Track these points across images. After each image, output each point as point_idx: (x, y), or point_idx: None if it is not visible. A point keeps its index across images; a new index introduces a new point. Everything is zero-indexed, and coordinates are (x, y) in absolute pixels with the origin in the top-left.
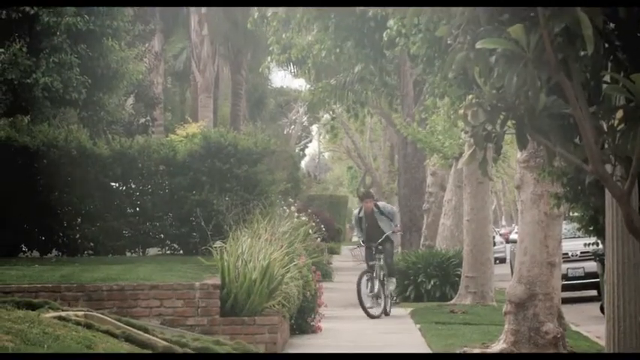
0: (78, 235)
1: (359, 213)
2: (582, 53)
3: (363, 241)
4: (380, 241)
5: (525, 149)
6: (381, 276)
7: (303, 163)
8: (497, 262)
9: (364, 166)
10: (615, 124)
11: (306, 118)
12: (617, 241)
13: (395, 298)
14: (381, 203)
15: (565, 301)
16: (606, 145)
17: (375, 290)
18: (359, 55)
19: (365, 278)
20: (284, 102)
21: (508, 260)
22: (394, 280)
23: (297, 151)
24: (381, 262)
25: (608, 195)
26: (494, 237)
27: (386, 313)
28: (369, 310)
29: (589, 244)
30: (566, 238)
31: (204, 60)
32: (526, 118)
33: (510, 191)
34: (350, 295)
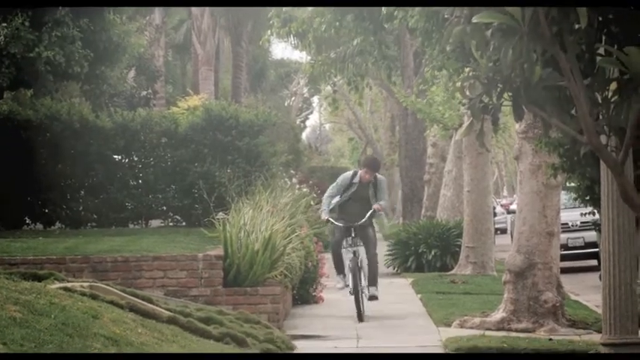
0: (81, 208)
1: (352, 178)
2: (576, 26)
3: (327, 220)
4: (363, 221)
5: (521, 121)
6: (361, 277)
7: (304, 135)
8: (499, 232)
9: (365, 137)
10: (609, 96)
11: (306, 90)
12: (613, 211)
13: (396, 269)
14: (381, 177)
15: (565, 270)
16: (600, 117)
17: (361, 284)
18: (358, 29)
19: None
20: (285, 74)
21: (509, 231)
22: (376, 288)
23: (298, 122)
24: (357, 256)
25: (603, 165)
26: (494, 208)
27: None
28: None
29: (585, 214)
30: (566, 208)
31: (204, 32)
32: (522, 90)
33: (511, 162)
34: None
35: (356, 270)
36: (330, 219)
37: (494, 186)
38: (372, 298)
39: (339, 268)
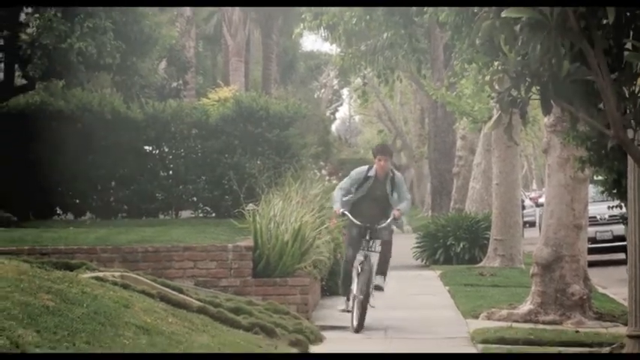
0: (112, 198)
1: (367, 172)
2: (604, 21)
3: (343, 214)
4: (383, 225)
5: (550, 114)
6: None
7: (333, 127)
8: (527, 225)
9: (395, 129)
10: (636, 91)
11: (336, 82)
12: (639, 204)
13: (425, 261)
14: (398, 174)
15: (593, 264)
16: (627, 111)
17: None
18: (388, 22)
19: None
20: (315, 66)
21: (538, 224)
22: (384, 278)
23: (327, 114)
24: (364, 263)
25: (630, 159)
26: (523, 201)
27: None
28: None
29: (612, 207)
30: (594, 201)
31: (235, 24)
32: (550, 84)
33: (541, 155)
34: None
35: (368, 280)
36: (347, 213)
37: (523, 179)
38: (377, 288)
39: (346, 287)
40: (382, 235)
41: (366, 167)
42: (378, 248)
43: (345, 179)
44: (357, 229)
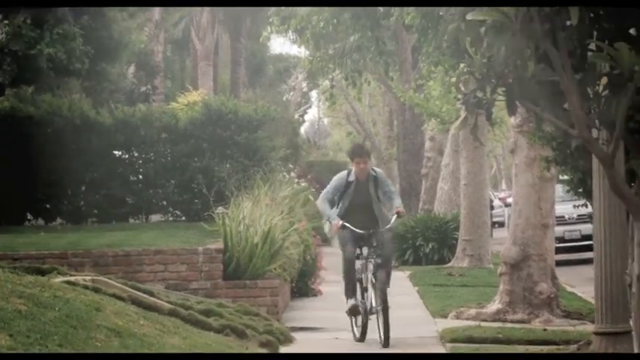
0: (82, 203)
1: (347, 177)
2: (568, 23)
3: (343, 226)
4: (389, 227)
5: (515, 115)
6: (373, 299)
7: (302, 129)
8: (496, 225)
9: (363, 131)
10: (600, 91)
11: (305, 85)
12: (604, 203)
13: (394, 261)
14: (379, 170)
15: (562, 263)
16: (592, 111)
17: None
18: (356, 26)
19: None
20: (283, 68)
21: (507, 224)
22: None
23: (296, 117)
24: (377, 272)
25: (594, 158)
26: (492, 201)
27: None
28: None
29: (578, 206)
30: (563, 201)
31: (203, 28)
32: (515, 85)
33: (510, 155)
34: None
35: (385, 289)
36: (347, 224)
37: (492, 179)
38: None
39: (351, 290)
40: (387, 240)
41: (344, 173)
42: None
43: (326, 189)
44: (358, 239)
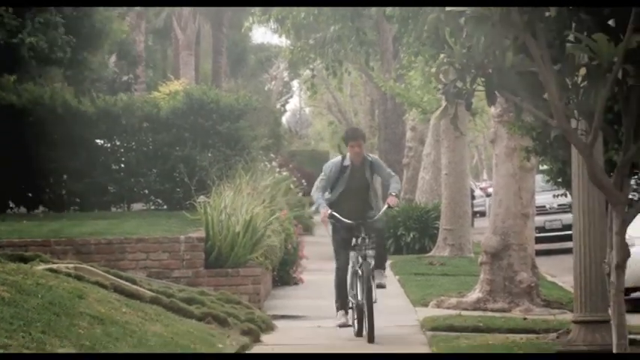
0: (64, 191)
1: (342, 162)
2: (547, 14)
3: (331, 216)
4: (377, 217)
5: (494, 105)
6: (364, 276)
7: (284, 119)
8: (478, 215)
9: (345, 121)
10: (579, 82)
11: (286, 74)
12: (583, 192)
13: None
14: (375, 157)
15: (543, 253)
16: (570, 102)
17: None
18: (336, 16)
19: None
20: (265, 58)
21: (488, 214)
22: (383, 270)
23: (278, 106)
24: (367, 260)
25: (573, 148)
26: (473, 191)
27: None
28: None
29: (557, 195)
30: (544, 191)
31: (185, 17)
32: (494, 75)
33: (491, 145)
34: (331, 248)
35: (369, 282)
36: (335, 214)
37: (473, 169)
38: (379, 286)
39: (342, 301)
40: (377, 231)
41: (339, 158)
42: (373, 245)
43: (320, 177)
44: (347, 228)
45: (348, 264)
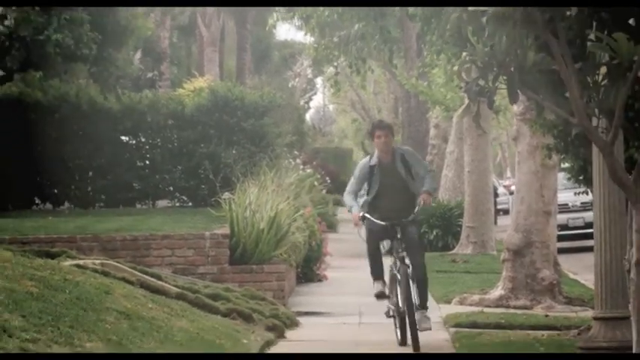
0: (89, 188)
1: (369, 161)
2: (568, 13)
3: (363, 217)
4: (410, 218)
5: (516, 103)
6: (402, 280)
7: (307, 116)
8: (501, 213)
9: (369, 118)
10: (599, 80)
11: (310, 71)
12: (604, 190)
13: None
14: (407, 148)
15: (565, 250)
16: (591, 100)
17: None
18: (360, 14)
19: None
20: (288, 55)
21: (511, 212)
22: (426, 311)
23: (302, 103)
24: (405, 262)
25: (594, 146)
26: (496, 189)
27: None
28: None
29: (579, 193)
30: (566, 189)
31: (209, 14)
32: (516, 74)
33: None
34: (354, 245)
35: (408, 285)
36: (367, 215)
37: (497, 167)
38: (425, 329)
39: (377, 270)
40: (410, 234)
41: (366, 158)
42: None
43: (350, 181)
44: (382, 230)
45: (380, 239)
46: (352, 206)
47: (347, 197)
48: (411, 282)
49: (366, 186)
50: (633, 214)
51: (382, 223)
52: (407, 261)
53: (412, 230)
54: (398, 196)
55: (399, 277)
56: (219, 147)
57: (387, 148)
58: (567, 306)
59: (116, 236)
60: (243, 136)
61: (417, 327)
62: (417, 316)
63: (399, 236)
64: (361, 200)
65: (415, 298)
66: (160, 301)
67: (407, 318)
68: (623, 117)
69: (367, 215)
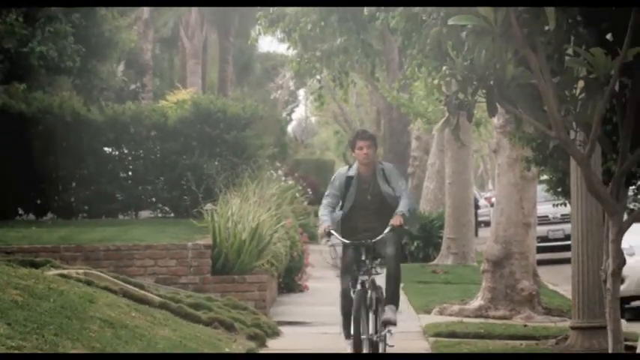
0: (73, 199)
1: (347, 171)
2: (546, 28)
3: (329, 234)
4: (381, 236)
5: (495, 116)
6: (374, 303)
7: (290, 128)
8: (482, 225)
9: (350, 130)
10: (577, 94)
11: (292, 83)
12: (581, 202)
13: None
14: (388, 165)
15: (545, 262)
16: (569, 113)
17: (369, 330)
18: (342, 28)
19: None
20: (271, 67)
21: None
22: (395, 307)
23: (284, 115)
24: (375, 286)
25: (572, 159)
26: (477, 200)
27: None
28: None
29: (557, 205)
30: (546, 201)
31: (192, 26)
32: (495, 87)
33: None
34: None
35: (362, 308)
36: (332, 231)
37: (479, 180)
38: (388, 322)
39: (348, 328)
40: (384, 252)
41: (344, 168)
42: (380, 270)
43: (326, 192)
44: (352, 250)
45: (352, 288)
46: (324, 219)
47: (321, 210)
48: (367, 307)
49: (338, 200)
50: (610, 225)
51: (346, 241)
52: (369, 286)
53: (389, 248)
54: (374, 214)
55: (368, 302)
56: (201, 158)
57: (369, 160)
58: (546, 316)
59: (99, 246)
60: (225, 147)
61: (381, 318)
62: (385, 311)
63: (363, 258)
64: (338, 215)
65: (372, 325)
66: (143, 310)
67: (378, 345)
68: (600, 130)
69: (333, 232)
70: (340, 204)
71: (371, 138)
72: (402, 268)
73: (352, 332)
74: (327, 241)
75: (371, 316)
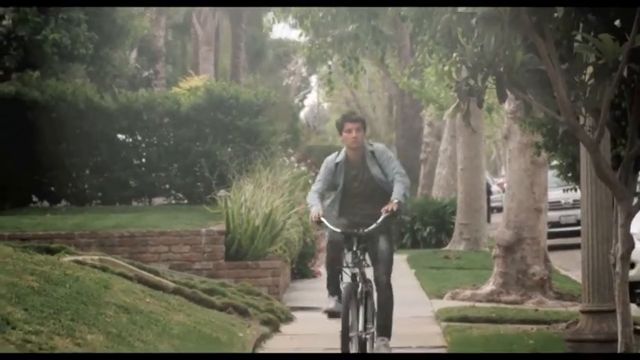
0: (86, 186)
1: (335, 157)
2: (555, 15)
3: (319, 221)
4: (375, 225)
5: (504, 102)
6: (364, 297)
7: (302, 114)
8: (495, 211)
9: (363, 116)
10: (586, 80)
11: (305, 69)
12: (591, 187)
13: None
14: (378, 145)
15: (557, 247)
16: (578, 99)
17: (359, 328)
18: (353, 15)
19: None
20: (283, 53)
21: None
22: (387, 340)
23: (296, 102)
24: (365, 279)
25: (582, 144)
26: (490, 186)
27: None
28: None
29: (567, 190)
30: (558, 186)
31: (204, 13)
32: (505, 74)
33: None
34: None
35: (351, 302)
36: (323, 219)
37: (492, 165)
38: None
39: (333, 285)
40: (376, 244)
41: (334, 154)
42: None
43: (316, 178)
44: (342, 238)
45: (341, 253)
46: (312, 205)
47: (310, 196)
48: (357, 301)
49: (327, 186)
50: (618, 210)
51: (337, 230)
52: (360, 279)
53: (381, 242)
54: (365, 200)
55: (344, 293)
56: (214, 145)
57: (358, 144)
58: (558, 301)
59: (114, 233)
60: (238, 134)
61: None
62: (376, 343)
63: (354, 248)
64: (327, 201)
65: (362, 320)
66: (157, 296)
67: (368, 344)
68: (609, 115)
69: (323, 220)
70: (328, 188)
71: (360, 120)
72: (393, 268)
73: (340, 329)
74: (318, 229)
75: (361, 310)
